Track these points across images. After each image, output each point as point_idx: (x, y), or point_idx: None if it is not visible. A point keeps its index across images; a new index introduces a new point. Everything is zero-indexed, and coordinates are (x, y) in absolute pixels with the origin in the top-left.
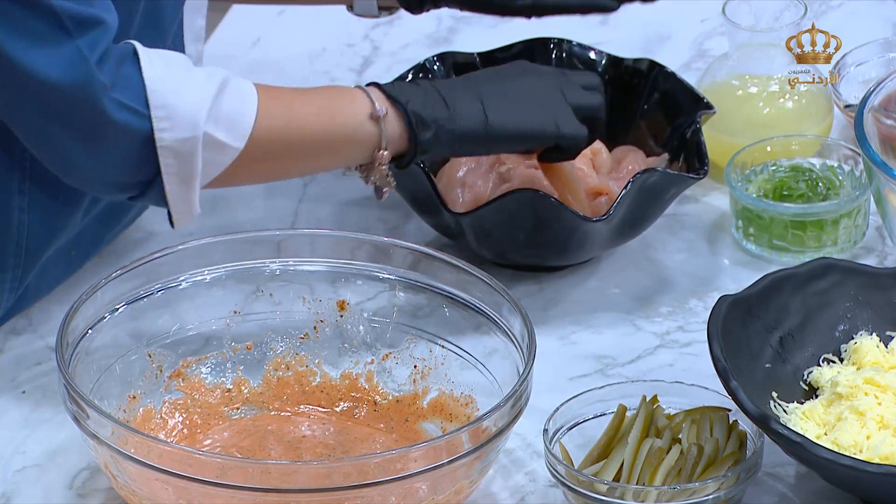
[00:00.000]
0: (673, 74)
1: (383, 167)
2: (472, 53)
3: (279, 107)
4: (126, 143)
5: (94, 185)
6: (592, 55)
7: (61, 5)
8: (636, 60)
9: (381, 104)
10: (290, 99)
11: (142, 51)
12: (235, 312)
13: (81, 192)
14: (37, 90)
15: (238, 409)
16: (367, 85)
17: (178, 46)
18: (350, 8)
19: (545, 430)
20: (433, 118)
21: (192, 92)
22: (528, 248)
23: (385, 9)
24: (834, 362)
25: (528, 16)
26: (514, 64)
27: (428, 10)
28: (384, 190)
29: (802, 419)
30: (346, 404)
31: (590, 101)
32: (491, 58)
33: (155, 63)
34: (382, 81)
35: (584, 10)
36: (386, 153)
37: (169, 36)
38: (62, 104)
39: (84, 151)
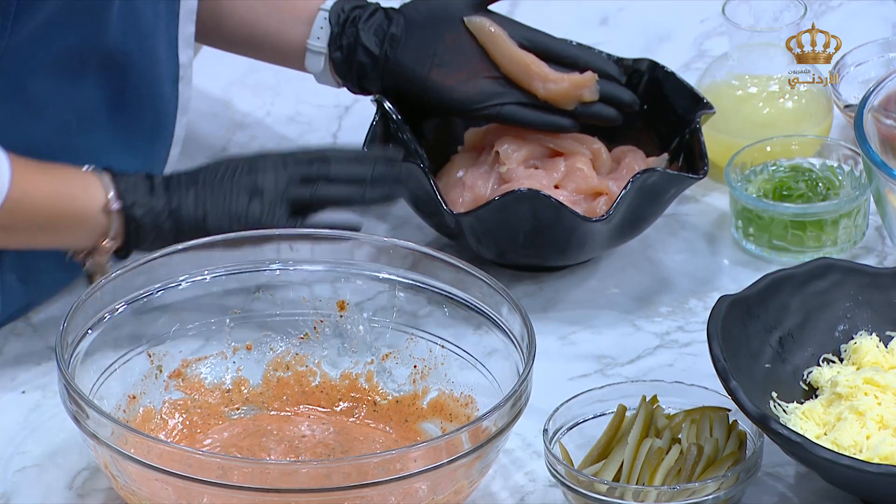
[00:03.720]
0: (673, 74)
1: (103, 257)
2: None
3: (12, 193)
4: None
5: None
6: None
7: None
8: (636, 60)
9: (115, 196)
10: (24, 185)
11: None
12: (235, 312)
13: None
14: None
15: (238, 409)
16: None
17: (173, 50)
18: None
19: (545, 430)
20: (154, 224)
21: None
22: (528, 248)
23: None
24: (834, 362)
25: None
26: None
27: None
28: (95, 276)
29: (802, 419)
30: (345, 404)
31: (303, 193)
32: None
33: None
34: None
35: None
36: (110, 244)
37: (152, 37)
38: None
39: None
